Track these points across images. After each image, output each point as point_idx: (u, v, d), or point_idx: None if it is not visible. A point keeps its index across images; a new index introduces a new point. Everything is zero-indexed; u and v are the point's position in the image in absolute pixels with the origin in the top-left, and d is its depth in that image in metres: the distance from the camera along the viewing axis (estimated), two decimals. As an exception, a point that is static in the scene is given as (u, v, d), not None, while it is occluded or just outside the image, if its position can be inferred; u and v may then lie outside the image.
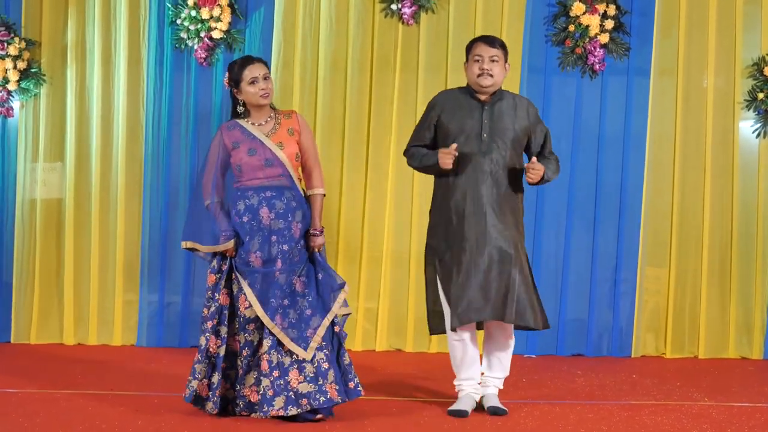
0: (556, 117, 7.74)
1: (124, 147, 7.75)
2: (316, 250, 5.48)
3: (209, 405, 5.38)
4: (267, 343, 5.32)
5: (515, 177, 5.67)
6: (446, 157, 5.52)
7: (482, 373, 5.76)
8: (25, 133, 7.81)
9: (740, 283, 7.82)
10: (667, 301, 7.81)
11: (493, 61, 5.59)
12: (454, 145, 5.51)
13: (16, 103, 7.80)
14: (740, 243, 7.81)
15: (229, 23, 7.68)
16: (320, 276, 5.48)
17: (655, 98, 7.74)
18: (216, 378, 5.37)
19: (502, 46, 5.68)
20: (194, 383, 5.39)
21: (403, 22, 7.70)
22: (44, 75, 7.78)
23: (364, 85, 7.75)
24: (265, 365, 5.29)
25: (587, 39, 7.67)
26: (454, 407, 5.63)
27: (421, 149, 5.77)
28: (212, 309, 5.39)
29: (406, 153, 5.90)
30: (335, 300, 5.47)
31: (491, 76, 5.59)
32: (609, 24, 7.63)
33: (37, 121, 7.81)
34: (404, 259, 7.74)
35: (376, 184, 7.67)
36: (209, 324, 5.39)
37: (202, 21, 7.64)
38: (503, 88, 5.77)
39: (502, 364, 5.72)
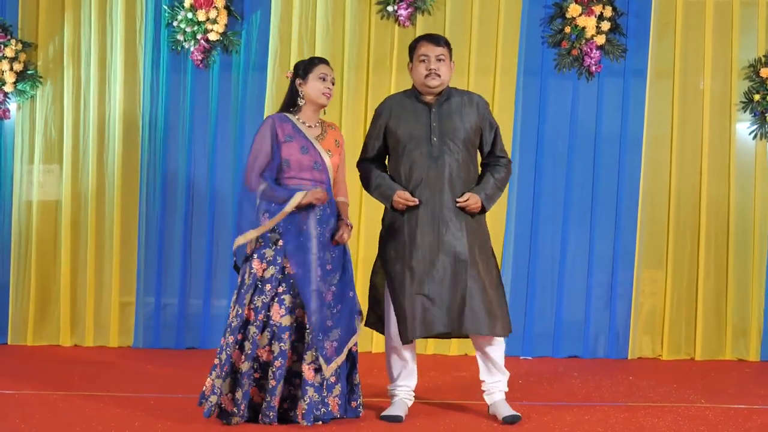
0: (553, 119, 7.77)
1: (121, 149, 7.76)
2: (342, 241, 5.46)
3: (235, 419, 5.26)
4: (311, 353, 5.30)
5: (471, 179, 5.55)
6: (400, 204, 5.45)
7: (482, 381, 5.68)
8: (21, 135, 7.82)
9: (737, 285, 7.82)
10: (663, 303, 7.82)
11: (439, 60, 5.48)
12: (416, 201, 5.41)
13: (12, 105, 7.82)
14: (737, 245, 7.82)
15: (226, 25, 7.70)
16: (351, 294, 5.47)
17: (651, 100, 7.75)
18: (240, 393, 5.25)
19: (447, 44, 5.57)
20: (213, 398, 5.25)
21: (399, 24, 7.71)
22: (41, 77, 7.81)
23: (361, 86, 7.76)
24: (311, 375, 5.28)
25: (583, 41, 7.68)
26: (387, 412, 5.54)
27: (375, 172, 5.65)
28: (236, 323, 5.28)
29: (359, 166, 5.79)
30: (358, 320, 5.49)
31: (438, 75, 5.47)
32: (605, 25, 7.65)
33: (33, 123, 7.83)
34: None
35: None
36: (231, 338, 5.27)
37: (199, 23, 7.66)
38: (451, 85, 5.65)
39: (496, 366, 5.63)
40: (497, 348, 5.58)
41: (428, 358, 7.49)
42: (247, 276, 5.33)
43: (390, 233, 5.58)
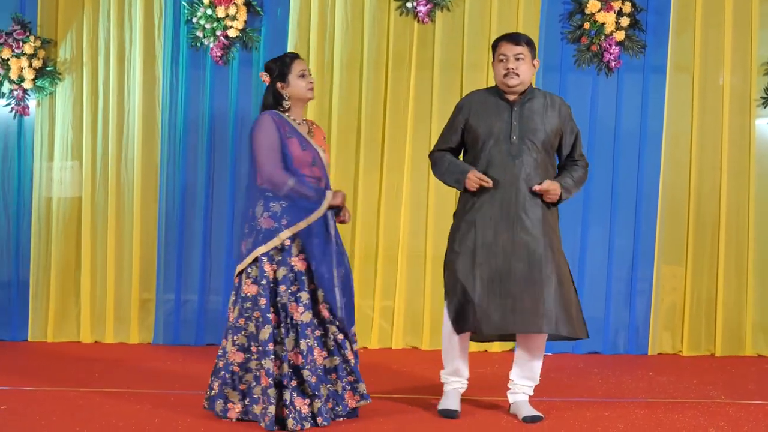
0: (572, 114, 7.64)
1: (140, 145, 7.76)
2: (346, 221, 5.53)
3: (291, 422, 5.21)
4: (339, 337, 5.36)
5: (542, 178, 5.49)
6: (474, 183, 5.41)
7: (511, 379, 5.69)
8: (41, 132, 7.82)
9: (757, 281, 7.80)
10: (683, 299, 7.79)
11: (518, 59, 5.45)
12: (490, 182, 5.38)
13: (32, 102, 7.81)
14: (757, 240, 7.79)
15: (245, 22, 7.68)
16: (352, 284, 5.49)
17: (671, 96, 7.70)
18: (288, 395, 5.22)
19: (528, 43, 5.54)
20: (271, 408, 5.19)
21: (418, 20, 7.69)
22: (60, 73, 7.80)
23: (380, 83, 7.74)
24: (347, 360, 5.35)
25: (603, 36, 7.65)
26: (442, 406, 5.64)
27: (447, 156, 5.64)
28: (267, 331, 5.23)
29: (431, 156, 5.77)
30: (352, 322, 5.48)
31: (517, 75, 5.44)
32: (624, 21, 7.61)
33: (52, 120, 7.82)
34: (420, 258, 7.73)
35: (391, 183, 7.66)
36: (270, 347, 5.22)
37: (218, 19, 7.64)
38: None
39: (532, 371, 5.61)
40: (539, 355, 5.60)
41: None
42: (254, 283, 5.29)
43: (461, 229, 5.54)
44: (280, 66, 5.43)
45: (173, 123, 7.78)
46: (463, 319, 5.41)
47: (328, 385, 5.36)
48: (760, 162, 7.78)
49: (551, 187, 5.41)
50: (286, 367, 5.23)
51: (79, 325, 7.82)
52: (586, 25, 7.66)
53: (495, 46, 5.59)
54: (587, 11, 7.63)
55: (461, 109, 5.66)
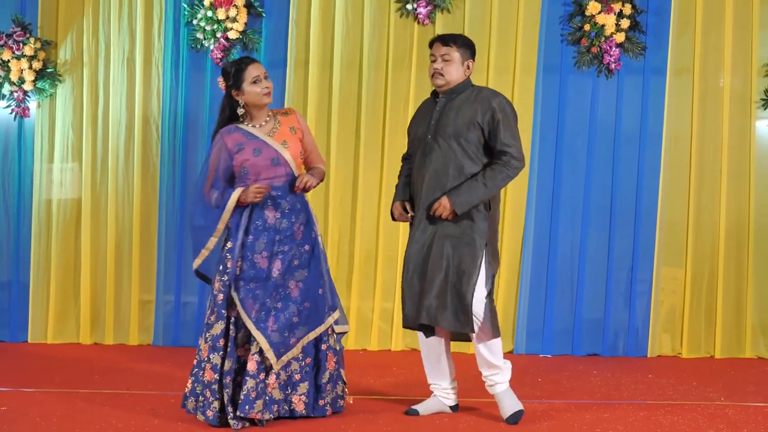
0: (572, 116, 7.75)
1: (141, 147, 7.78)
2: (302, 184, 5.43)
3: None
4: (255, 345, 5.33)
5: (462, 175, 5.40)
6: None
7: (481, 373, 5.68)
8: (41, 134, 7.82)
9: (757, 283, 7.79)
10: (683, 301, 7.79)
11: (444, 60, 5.45)
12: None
13: (32, 104, 7.82)
14: (757, 243, 7.78)
15: (245, 23, 7.68)
16: (321, 291, 5.48)
17: (671, 97, 7.70)
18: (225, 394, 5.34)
19: (459, 44, 5.50)
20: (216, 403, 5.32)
21: (418, 22, 7.70)
22: (60, 75, 7.82)
23: (380, 84, 7.75)
24: (253, 366, 5.29)
25: (603, 38, 7.65)
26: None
27: (401, 173, 5.80)
28: (222, 326, 5.35)
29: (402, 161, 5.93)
30: (329, 316, 5.50)
31: (441, 75, 5.46)
32: (625, 23, 7.61)
33: (53, 122, 7.83)
34: None
35: (391, 184, 7.50)
36: (221, 342, 5.34)
37: (218, 21, 7.65)
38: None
39: (486, 362, 5.52)
40: (479, 343, 5.48)
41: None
42: (218, 280, 5.40)
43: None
44: (234, 72, 5.42)
45: (173, 125, 7.79)
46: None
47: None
48: (760, 164, 7.78)
49: (439, 208, 5.35)
50: (228, 364, 5.29)
51: (78, 326, 7.83)
52: (587, 27, 7.65)
53: (429, 46, 5.61)
54: (587, 13, 7.62)
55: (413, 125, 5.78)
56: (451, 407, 5.71)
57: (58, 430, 5.14)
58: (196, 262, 5.50)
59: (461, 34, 5.72)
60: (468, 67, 5.54)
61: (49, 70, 7.77)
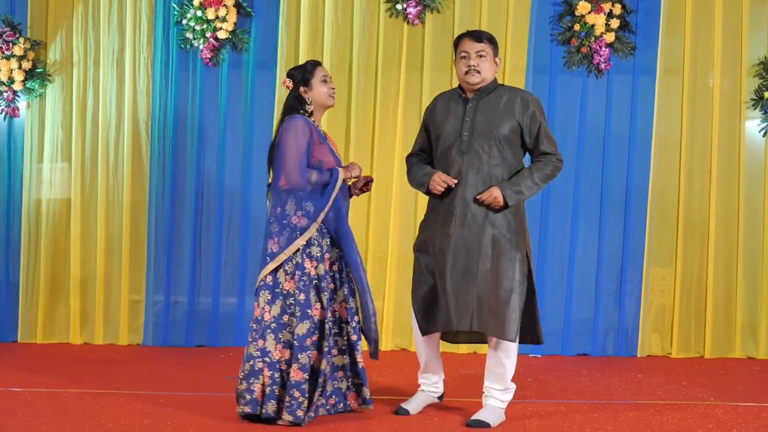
0: (562, 116, 7.77)
1: (130, 147, 7.79)
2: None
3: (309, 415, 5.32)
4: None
5: (502, 176, 5.39)
6: (438, 185, 5.39)
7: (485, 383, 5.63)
8: (30, 134, 7.83)
9: (746, 283, 7.82)
10: (672, 302, 7.82)
11: (480, 56, 5.39)
12: (454, 181, 5.35)
13: (21, 104, 7.82)
14: (746, 242, 7.81)
15: (235, 23, 7.71)
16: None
17: (660, 97, 7.75)
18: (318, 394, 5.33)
19: (490, 41, 5.46)
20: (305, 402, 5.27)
21: (408, 22, 7.72)
22: (49, 75, 7.83)
23: (369, 85, 7.78)
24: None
25: (593, 38, 7.68)
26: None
27: (414, 160, 5.69)
28: (309, 325, 5.28)
29: (407, 161, 5.79)
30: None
31: (478, 72, 5.39)
32: (614, 23, 7.63)
33: (42, 122, 7.84)
34: (409, 259, 7.43)
35: (381, 184, 7.63)
36: (309, 341, 5.28)
37: (208, 21, 7.66)
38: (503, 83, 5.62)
39: (497, 375, 5.44)
40: (503, 355, 5.40)
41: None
42: (292, 279, 5.31)
43: (425, 225, 5.61)
44: (304, 71, 5.47)
45: (163, 124, 7.80)
46: (424, 320, 5.50)
47: (334, 382, 5.45)
48: (749, 164, 7.81)
49: (488, 197, 5.30)
50: (324, 363, 5.28)
51: (68, 326, 7.82)
52: (576, 27, 7.68)
53: (457, 43, 5.54)
54: (577, 13, 7.65)
55: (427, 110, 5.69)
56: (438, 397, 5.74)
57: (48, 429, 5.12)
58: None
59: (489, 33, 5.61)
60: (497, 64, 5.53)
61: (38, 70, 7.77)
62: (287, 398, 5.21)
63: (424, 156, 5.70)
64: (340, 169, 5.39)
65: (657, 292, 7.86)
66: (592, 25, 7.65)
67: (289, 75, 5.51)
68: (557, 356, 7.71)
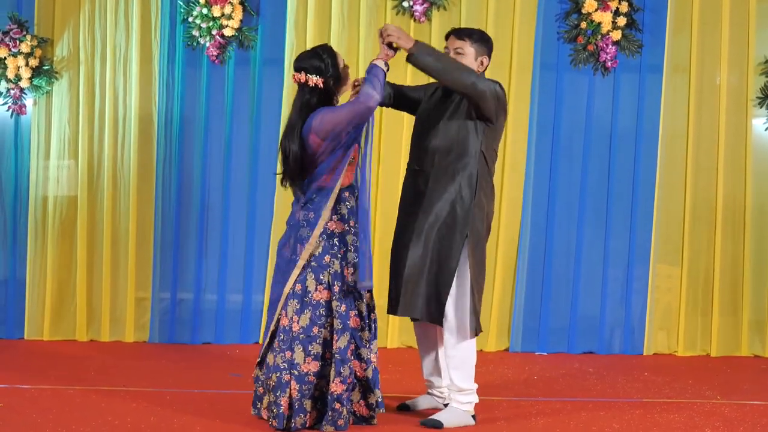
0: (568, 114, 7.78)
1: (137, 144, 7.77)
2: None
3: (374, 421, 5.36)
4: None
5: (454, 153, 5.30)
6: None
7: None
8: (37, 131, 7.80)
9: (753, 281, 7.82)
10: (679, 299, 7.81)
11: (457, 53, 5.33)
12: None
13: (28, 101, 7.80)
14: (753, 240, 7.81)
15: (241, 21, 7.68)
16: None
17: (667, 95, 7.74)
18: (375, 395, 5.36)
19: (474, 39, 5.38)
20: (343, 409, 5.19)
21: (414, 20, 7.70)
22: (56, 72, 7.79)
23: None
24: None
25: (599, 36, 7.66)
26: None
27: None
28: (346, 338, 5.19)
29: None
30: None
31: None
32: (621, 21, 7.62)
33: (49, 119, 7.81)
34: None
35: (388, 184, 7.60)
36: (349, 352, 5.20)
37: (214, 19, 7.64)
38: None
39: (446, 371, 5.48)
40: (450, 347, 5.33)
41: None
42: (327, 289, 5.20)
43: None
44: (330, 66, 5.17)
45: (169, 122, 7.79)
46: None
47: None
48: (756, 161, 7.80)
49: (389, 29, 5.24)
50: (370, 370, 5.26)
51: (75, 323, 7.80)
52: (583, 25, 7.67)
53: (445, 39, 5.52)
54: (584, 10, 7.64)
55: (428, 87, 5.64)
56: (445, 405, 5.59)
57: (55, 426, 5.13)
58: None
59: (479, 29, 5.61)
60: (482, 64, 5.44)
61: (45, 68, 7.75)
62: (330, 412, 5.12)
63: (396, 87, 5.67)
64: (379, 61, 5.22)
65: (663, 290, 7.83)
66: (599, 23, 7.63)
67: (307, 70, 5.14)
68: (563, 354, 7.72)
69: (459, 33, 5.44)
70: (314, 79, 5.11)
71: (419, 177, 5.38)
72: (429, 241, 5.27)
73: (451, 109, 5.35)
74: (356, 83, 5.34)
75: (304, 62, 5.18)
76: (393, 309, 5.46)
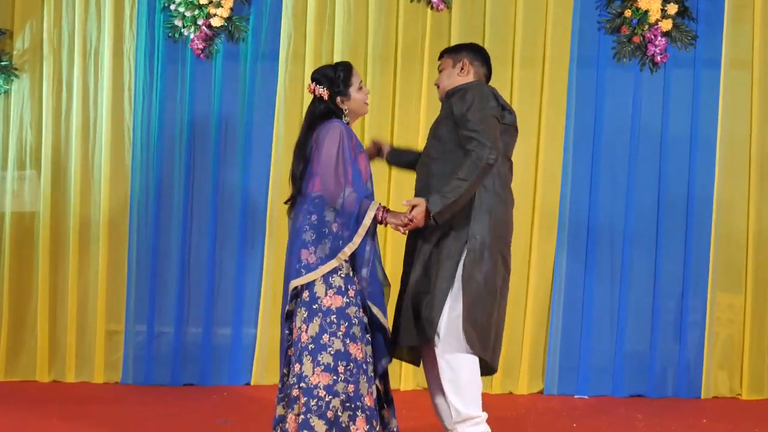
0: (611, 117, 7.73)
1: (109, 153, 7.72)
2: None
3: None
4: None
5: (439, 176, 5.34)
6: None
7: None
8: (-7, 136, 7.83)
9: (828, 312, 7.73)
10: (742, 333, 7.71)
11: (439, 71, 5.66)
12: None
13: (-18, 101, 7.81)
14: (828, 264, 7.74)
15: (231, 9, 7.68)
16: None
17: (726, 94, 7.66)
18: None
19: (447, 51, 5.70)
20: None
21: (432, 7, 7.67)
22: (16, 69, 7.78)
23: (387, 80, 7.70)
24: None
25: (646, 26, 7.59)
26: None
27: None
28: (367, 349, 5.27)
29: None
30: None
31: (437, 86, 5.67)
32: (672, 8, 7.55)
33: (7, 123, 7.80)
34: None
35: (401, 194, 7.40)
36: (370, 367, 5.29)
37: (200, 6, 7.64)
38: (494, 77, 5.70)
39: (447, 399, 5.35)
40: (444, 368, 5.27)
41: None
42: (339, 295, 5.22)
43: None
44: (343, 77, 5.41)
45: (147, 126, 7.73)
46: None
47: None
48: (831, 169, 7.77)
49: (413, 213, 5.18)
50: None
51: (35, 361, 7.74)
52: (627, 13, 7.60)
53: None
54: (628, -4, 7.62)
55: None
56: None
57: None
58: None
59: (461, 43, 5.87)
60: (462, 69, 5.57)
61: (3, 63, 7.74)
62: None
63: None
64: (375, 206, 5.20)
65: (724, 322, 7.73)
66: (646, 11, 7.56)
67: (319, 81, 5.42)
68: (607, 397, 7.63)
69: (439, 55, 5.75)
70: (320, 90, 5.38)
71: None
72: (424, 255, 5.36)
73: (443, 135, 5.44)
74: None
75: (318, 72, 5.49)
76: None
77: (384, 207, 5.19)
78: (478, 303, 5.23)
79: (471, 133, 5.18)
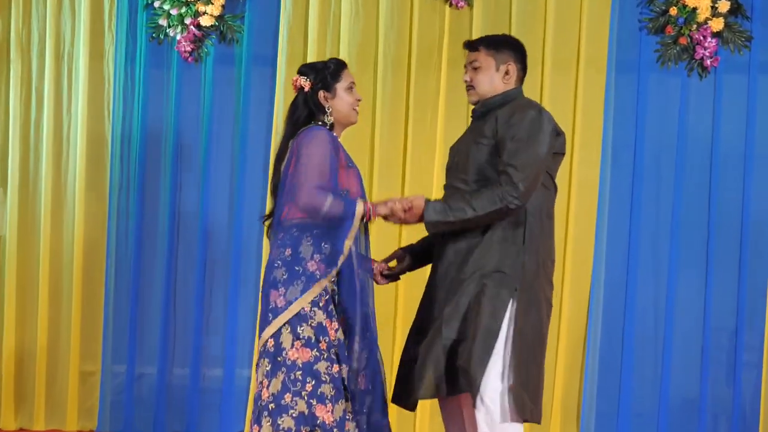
0: (654, 127, 7.50)
1: (84, 169, 7.56)
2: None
3: None
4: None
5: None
6: None
7: None
8: (-47, 151, 7.69)
9: None
10: (806, 374, 7.52)
11: (474, 68, 5.17)
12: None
13: (-60, 110, 7.69)
14: None
15: (223, 6, 7.51)
16: None
17: (785, 101, 7.50)
18: None
19: (489, 45, 5.19)
20: None
21: (451, 5, 7.46)
22: (-21, 75, 7.65)
23: (400, 87, 7.49)
24: None
25: (695, 25, 7.34)
26: None
27: None
28: (341, 408, 5.00)
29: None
30: None
31: (472, 87, 5.18)
32: (724, 5, 7.27)
33: (-32, 134, 7.66)
34: None
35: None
36: (348, 426, 5.05)
37: (187, 3, 7.50)
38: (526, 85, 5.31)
39: None
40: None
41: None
42: (309, 347, 4.97)
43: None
44: (331, 72, 5.21)
45: (127, 139, 7.59)
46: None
47: None
48: None
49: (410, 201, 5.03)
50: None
51: (-1, 406, 7.52)
52: (673, 11, 7.35)
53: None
54: (674, -8, 7.54)
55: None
56: None
57: None
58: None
59: (497, 34, 5.46)
60: (507, 73, 5.16)
61: None
62: None
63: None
64: (361, 201, 5.03)
65: None
66: (694, 9, 7.29)
67: (303, 73, 5.22)
68: None
69: (470, 44, 5.30)
70: (302, 80, 5.19)
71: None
72: (461, 295, 4.99)
73: (480, 158, 5.10)
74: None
75: (306, 65, 5.36)
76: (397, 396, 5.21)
77: (371, 203, 5.04)
78: (531, 360, 4.94)
79: (508, 167, 4.85)
